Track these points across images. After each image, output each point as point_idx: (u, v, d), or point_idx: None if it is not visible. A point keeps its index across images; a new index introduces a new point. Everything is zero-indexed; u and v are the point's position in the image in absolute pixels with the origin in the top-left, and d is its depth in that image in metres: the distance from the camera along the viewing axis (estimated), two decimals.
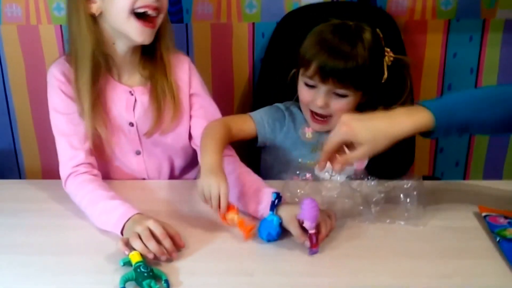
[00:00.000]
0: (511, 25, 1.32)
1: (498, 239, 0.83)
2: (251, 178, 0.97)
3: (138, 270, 0.75)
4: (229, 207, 0.85)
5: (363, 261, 0.80)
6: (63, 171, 0.99)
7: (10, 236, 0.89)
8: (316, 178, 1.05)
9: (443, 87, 1.39)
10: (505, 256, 0.79)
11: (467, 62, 1.36)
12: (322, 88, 1.00)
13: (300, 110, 1.09)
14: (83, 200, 0.93)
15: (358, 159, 0.81)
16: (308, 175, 1.01)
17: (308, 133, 1.09)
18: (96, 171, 1.00)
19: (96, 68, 0.98)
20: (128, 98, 1.05)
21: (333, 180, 1.04)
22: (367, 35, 1.01)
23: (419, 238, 0.86)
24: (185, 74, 1.08)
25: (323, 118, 1.04)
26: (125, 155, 1.08)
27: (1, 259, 0.82)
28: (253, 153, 1.16)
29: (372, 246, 0.84)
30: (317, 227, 0.83)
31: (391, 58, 1.04)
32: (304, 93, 1.04)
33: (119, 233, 0.85)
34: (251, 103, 1.39)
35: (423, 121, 0.79)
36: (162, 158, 1.11)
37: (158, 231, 0.80)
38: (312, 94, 1.02)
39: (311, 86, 1.02)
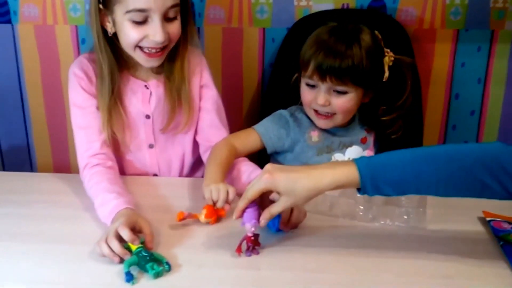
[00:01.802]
0: None
1: (501, 243, 0.84)
2: (247, 164, 1.03)
3: (140, 254, 0.77)
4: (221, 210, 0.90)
5: (367, 259, 0.81)
6: (81, 162, 1.02)
7: (24, 225, 0.91)
8: None
9: (451, 96, 1.40)
10: (508, 260, 0.80)
11: (475, 72, 1.37)
12: (322, 87, 1.03)
13: (305, 114, 1.11)
14: (89, 192, 0.97)
15: (279, 211, 0.78)
16: None
17: (314, 136, 1.11)
18: (110, 163, 1.02)
19: (114, 74, 1.03)
20: (143, 92, 1.08)
21: None
22: (364, 36, 1.03)
23: (422, 240, 0.86)
24: (197, 67, 1.10)
25: (327, 113, 1.06)
26: (139, 149, 1.11)
27: (15, 246, 0.85)
28: (262, 156, 1.17)
29: (373, 246, 0.85)
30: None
31: (392, 58, 1.06)
32: (305, 93, 1.06)
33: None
34: (260, 107, 1.40)
35: (346, 175, 0.75)
36: (173, 153, 1.14)
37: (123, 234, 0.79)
38: (313, 94, 1.05)
39: (312, 86, 1.05)
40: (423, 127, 1.33)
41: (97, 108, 1.04)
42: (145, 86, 1.08)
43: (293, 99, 1.15)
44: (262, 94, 1.41)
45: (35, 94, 1.42)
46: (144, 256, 0.77)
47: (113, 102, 1.03)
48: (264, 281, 0.77)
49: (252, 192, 0.79)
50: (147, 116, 1.09)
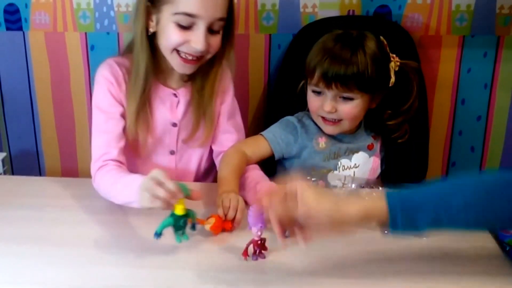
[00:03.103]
0: None
1: (507, 248, 0.84)
2: (256, 173, 1.04)
3: (180, 221, 0.80)
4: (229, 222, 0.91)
5: (371, 264, 0.82)
6: (94, 165, 1.00)
7: (31, 228, 0.93)
8: (327, 185, 1.08)
9: (457, 102, 1.40)
10: None
11: (481, 77, 1.37)
12: (328, 94, 1.04)
13: (312, 120, 1.12)
14: (107, 183, 0.95)
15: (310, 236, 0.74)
16: (320, 182, 1.04)
17: (322, 143, 1.11)
18: (124, 168, 1.02)
19: (149, 74, 1.02)
20: (172, 100, 1.09)
21: (344, 187, 1.06)
22: (369, 43, 1.04)
23: (427, 246, 0.86)
24: (224, 88, 1.11)
25: (334, 120, 1.07)
26: (160, 154, 1.12)
27: (25, 249, 0.86)
28: (268, 162, 1.18)
29: (378, 250, 0.85)
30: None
31: (397, 64, 1.07)
32: (312, 100, 1.07)
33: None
34: (265, 113, 1.41)
35: (373, 207, 0.71)
36: (192, 160, 1.15)
37: (160, 176, 0.79)
38: (320, 101, 1.06)
39: (319, 93, 1.05)
40: (429, 133, 1.34)
41: (121, 115, 1.04)
42: (174, 94, 1.09)
43: (300, 105, 1.16)
44: (268, 99, 1.42)
45: (44, 100, 1.44)
46: (182, 224, 0.81)
47: (142, 104, 1.03)
48: (270, 285, 0.77)
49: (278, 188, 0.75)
50: (174, 124, 1.10)
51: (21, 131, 1.48)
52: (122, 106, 1.04)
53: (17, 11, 1.36)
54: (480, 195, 0.70)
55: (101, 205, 0.99)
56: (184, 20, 0.94)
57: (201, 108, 1.07)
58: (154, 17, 0.98)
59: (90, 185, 1.02)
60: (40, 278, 0.79)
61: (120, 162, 1.02)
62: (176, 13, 0.94)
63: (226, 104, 1.13)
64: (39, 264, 0.82)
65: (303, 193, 0.72)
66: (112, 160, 1.01)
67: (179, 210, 0.80)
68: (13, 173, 1.52)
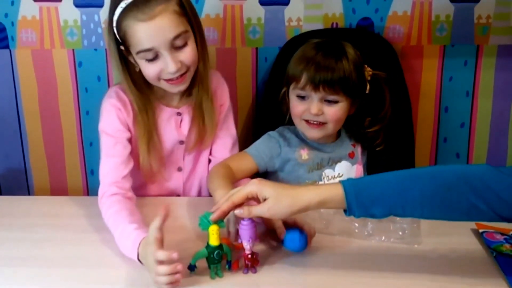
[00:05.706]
0: (504, 50, 1.37)
1: (494, 254, 0.86)
2: (247, 180, 1.05)
3: (214, 254, 0.79)
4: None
5: (364, 275, 0.83)
6: (101, 189, 1.01)
7: (21, 249, 0.92)
8: None
9: (440, 110, 1.43)
10: (501, 270, 0.82)
11: (462, 85, 1.41)
12: (315, 97, 1.06)
13: (293, 133, 1.14)
14: (108, 221, 0.95)
15: (259, 214, 0.79)
16: None
17: (304, 154, 1.13)
18: (130, 194, 1.02)
19: (144, 101, 1.06)
20: (176, 119, 1.11)
21: None
22: (350, 50, 1.08)
23: (416, 253, 0.88)
24: (217, 87, 1.15)
25: (318, 123, 1.09)
26: (168, 173, 1.14)
27: (13, 271, 0.85)
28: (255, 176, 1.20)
29: (370, 262, 0.86)
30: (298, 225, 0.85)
31: (370, 73, 1.11)
32: (297, 105, 1.09)
33: (136, 260, 0.84)
34: (254, 124, 1.43)
35: (329, 189, 0.77)
36: (197, 174, 1.17)
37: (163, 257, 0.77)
38: (305, 105, 1.08)
39: (303, 98, 1.08)
40: (414, 141, 1.36)
41: (128, 140, 1.05)
42: (177, 113, 1.11)
43: (284, 113, 1.17)
44: (257, 112, 1.43)
45: (32, 118, 1.43)
46: (216, 256, 0.79)
47: (149, 131, 1.06)
48: None
49: (238, 194, 0.80)
50: (181, 142, 1.12)
51: (8, 149, 1.47)
52: (130, 131, 1.06)
53: (3, 29, 1.36)
54: (436, 189, 0.74)
55: (91, 224, 0.99)
56: (148, 55, 0.98)
57: (202, 115, 1.09)
58: (131, 58, 1.02)
59: (79, 204, 1.02)
60: None
61: (126, 186, 1.02)
62: (137, 52, 0.98)
63: (223, 114, 1.15)
64: (30, 285, 0.81)
65: (261, 192, 0.78)
66: (118, 184, 1.00)
67: (213, 240, 0.79)
68: (1, 193, 1.51)
